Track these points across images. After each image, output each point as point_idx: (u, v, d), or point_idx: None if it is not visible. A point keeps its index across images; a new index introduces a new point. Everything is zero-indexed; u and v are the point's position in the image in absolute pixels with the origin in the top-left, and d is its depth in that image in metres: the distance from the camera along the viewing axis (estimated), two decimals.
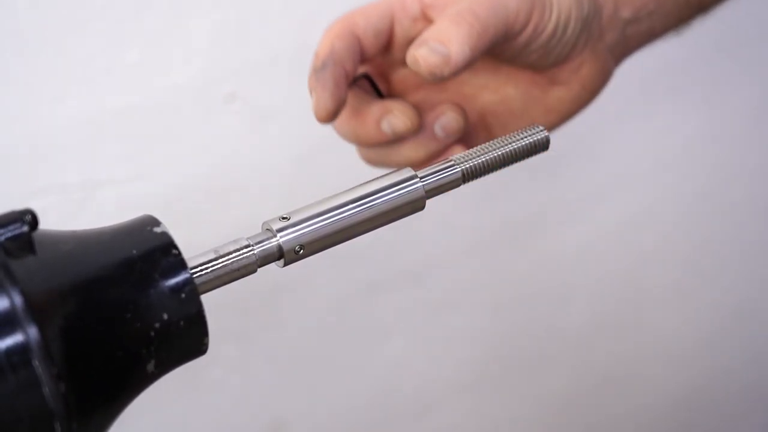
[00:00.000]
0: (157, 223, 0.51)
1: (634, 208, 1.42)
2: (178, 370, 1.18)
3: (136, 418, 1.10)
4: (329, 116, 0.69)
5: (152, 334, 0.49)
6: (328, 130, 1.09)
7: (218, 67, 1.01)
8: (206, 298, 0.52)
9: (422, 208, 0.60)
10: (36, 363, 0.44)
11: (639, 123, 1.36)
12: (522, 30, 0.69)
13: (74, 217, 0.98)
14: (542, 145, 0.65)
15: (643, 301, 1.48)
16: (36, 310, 0.44)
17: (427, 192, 0.60)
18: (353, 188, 0.58)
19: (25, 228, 0.46)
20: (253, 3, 1.01)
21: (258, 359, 1.17)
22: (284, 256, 0.55)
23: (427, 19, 0.71)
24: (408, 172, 0.59)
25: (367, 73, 0.75)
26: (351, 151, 1.06)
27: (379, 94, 0.75)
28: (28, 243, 0.47)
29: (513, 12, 0.68)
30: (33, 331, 0.44)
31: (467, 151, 0.62)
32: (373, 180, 0.59)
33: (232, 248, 0.54)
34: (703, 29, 1.36)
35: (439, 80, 0.67)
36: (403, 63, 0.72)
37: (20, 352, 0.44)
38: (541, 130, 0.65)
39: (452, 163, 0.61)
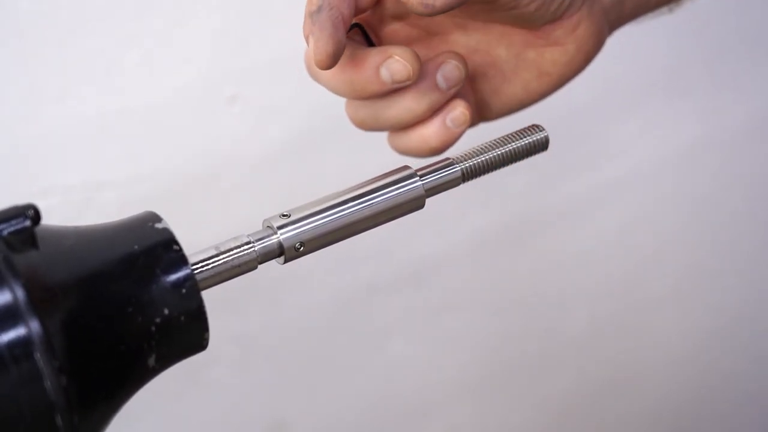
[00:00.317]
0: (158, 219, 0.52)
1: (635, 211, 1.42)
2: (180, 370, 1.18)
3: (138, 418, 1.10)
4: (330, 60, 0.64)
5: (153, 328, 0.49)
6: (330, 131, 1.10)
7: (220, 69, 1.02)
8: (207, 299, 0.52)
9: (422, 206, 0.60)
10: (38, 356, 0.44)
11: (640, 126, 1.37)
12: None
13: (76, 217, 0.98)
14: (542, 145, 0.65)
15: (644, 304, 1.48)
16: (38, 303, 0.45)
17: (426, 191, 0.60)
18: (353, 187, 0.59)
19: (28, 222, 0.47)
20: (254, 5, 1.01)
21: (259, 360, 1.17)
22: (285, 253, 0.56)
23: None
24: (408, 171, 0.60)
25: (359, 23, 0.72)
26: (352, 152, 1.07)
27: (372, 45, 0.72)
28: (30, 237, 0.47)
29: None
30: (35, 325, 0.44)
31: (467, 150, 0.63)
32: (373, 178, 0.59)
33: (232, 245, 0.54)
34: (705, 32, 1.36)
35: (431, 13, 0.63)
36: (394, 17, 0.70)
37: (22, 345, 0.44)
38: (541, 130, 0.66)
39: (452, 162, 0.62)
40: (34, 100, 0.94)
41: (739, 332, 1.58)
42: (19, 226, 0.47)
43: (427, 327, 1.29)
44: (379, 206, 0.58)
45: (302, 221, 0.56)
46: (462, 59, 0.70)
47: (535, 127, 0.66)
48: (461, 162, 0.62)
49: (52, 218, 0.85)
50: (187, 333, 0.51)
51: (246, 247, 0.54)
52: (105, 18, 0.94)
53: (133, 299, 0.49)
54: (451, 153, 0.63)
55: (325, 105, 1.09)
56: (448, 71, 0.69)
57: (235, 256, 0.54)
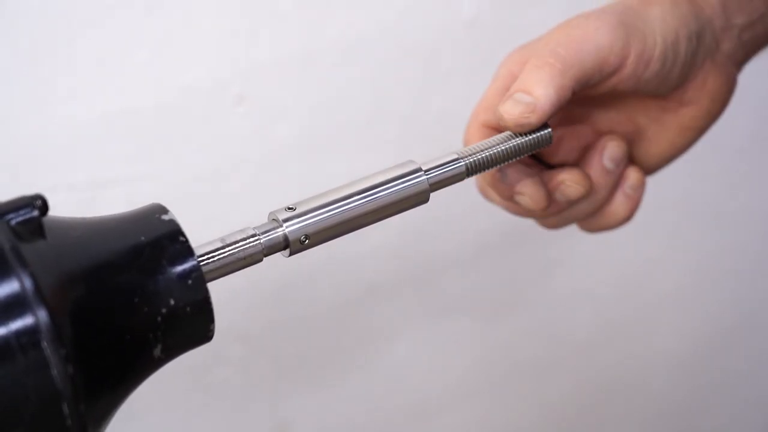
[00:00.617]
0: (165, 210, 0.52)
1: (640, 213, 1.42)
2: (185, 371, 1.19)
3: (142, 418, 1.11)
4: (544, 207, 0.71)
5: (159, 319, 0.50)
6: (333, 132, 1.11)
7: (227, 69, 1.02)
8: (212, 300, 0.52)
9: (426, 201, 0.61)
10: (45, 345, 0.44)
11: None
12: (622, 62, 0.68)
13: (82, 215, 0.98)
14: (545, 141, 0.66)
15: (649, 308, 1.48)
16: (46, 293, 0.45)
17: (431, 185, 0.61)
18: (358, 180, 0.59)
19: (36, 213, 0.47)
20: (261, 5, 1.02)
21: (263, 361, 1.17)
22: (290, 245, 0.56)
23: None
24: (412, 166, 0.60)
25: None
26: (358, 152, 1.07)
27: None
28: (38, 227, 0.47)
29: (605, 46, 0.67)
30: (42, 314, 0.45)
31: (471, 145, 0.63)
32: (378, 173, 0.60)
33: (238, 237, 0.55)
34: None
35: (528, 129, 0.66)
36: None
37: (30, 333, 0.44)
38: (545, 127, 0.66)
39: (456, 157, 0.62)
40: (41, 98, 0.94)
41: (745, 337, 1.58)
42: (27, 216, 0.47)
43: (431, 330, 1.29)
44: (384, 200, 0.59)
45: (307, 214, 0.57)
46: (618, 137, 0.74)
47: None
48: (466, 157, 0.62)
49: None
50: (192, 324, 0.51)
51: (252, 239, 0.55)
52: (112, 18, 0.95)
53: (139, 290, 0.49)
54: (454, 145, 0.64)
55: (331, 105, 1.10)
56: (612, 152, 0.74)
57: (241, 248, 0.54)
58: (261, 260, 0.55)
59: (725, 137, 1.41)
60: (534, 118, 0.65)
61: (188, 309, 0.51)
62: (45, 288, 0.45)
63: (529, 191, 0.69)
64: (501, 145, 0.64)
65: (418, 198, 0.60)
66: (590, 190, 0.72)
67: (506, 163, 0.65)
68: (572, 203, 0.73)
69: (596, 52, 0.67)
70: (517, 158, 0.65)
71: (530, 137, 0.65)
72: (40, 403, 0.45)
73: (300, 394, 1.22)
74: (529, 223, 1.33)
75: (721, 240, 1.50)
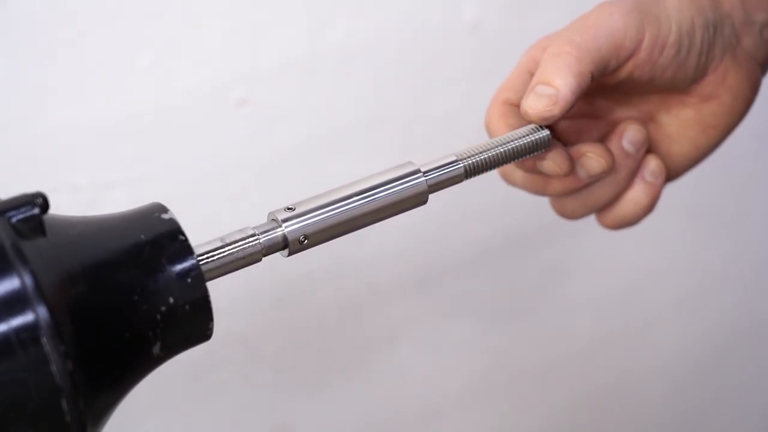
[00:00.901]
0: (164, 209, 0.53)
1: (644, 220, 1.42)
2: (185, 373, 1.19)
3: (142, 421, 1.11)
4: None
5: (158, 317, 0.50)
6: (334, 137, 1.11)
7: (229, 72, 1.03)
8: (212, 300, 0.52)
9: (425, 202, 0.61)
10: (45, 341, 0.45)
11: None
12: (638, 46, 0.68)
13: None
14: (543, 143, 0.66)
15: (650, 313, 1.48)
16: (46, 290, 0.45)
17: (430, 186, 0.61)
18: (358, 181, 0.60)
19: (36, 210, 0.48)
20: (264, 8, 1.02)
21: (263, 364, 1.18)
22: (289, 245, 0.56)
23: None
24: (411, 167, 0.61)
25: None
26: (359, 155, 1.08)
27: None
28: (39, 225, 0.48)
29: (619, 30, 0.67)
30: (42, 311, 0.45)
31: (470, 147, 0.64)
32: (377, 174, 0.60)
33: (238, 237, 0.55)
34: None
35: (552, 121, 0.66)
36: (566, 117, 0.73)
37: (30, 330, 0.45)
38: (543, 129, 0.66)
39: (455, 158, 0.63)
40: (44, 100, 0.95)
41: (747, 344, 1.58)
42: (27, 214, 0.47)
43: (433, 333, 1.30)
44: (382, 201, 0.59)
45: (307, 214, 0.57)
46: (638, 122, 0.74)
47: (537, 126, 0.67)
48: (464, 159, 0.63)
49: None
50: (192, 322, 0.52)
51: (251, 239, 0.55)
52: (116, 20, 0.95)
53: (138, 288, 0.50)
54: (455, 150, 0.64)
55: (333, 109, 1.10)
56: (632, 136, 0.73)
57: (240, 247, 0.55)
58: (260, 260, 0.56)
59: (731, 141, 1.41)
60: (557, 110, 0.65)
61: (187, 307, 0.51)
62: (45, 285, 0.46)
63: (551, 155, 0.69)
64: (500, 148, 0.65)
65: (417, 199, 0.61)
66: (611, 167, 0.72)
67: (504, 165, 0.65)
68: (593, 179, 0.72)
69: (611, 37, 0.67)
70: (516, 161, 0.66)
71: (528, 140, 0.66)
72: (40, 399, 0.45)
73: (300, 397, 1.22)
74: (533, 228, 1.34)
75: (726, 247, 1.50)
